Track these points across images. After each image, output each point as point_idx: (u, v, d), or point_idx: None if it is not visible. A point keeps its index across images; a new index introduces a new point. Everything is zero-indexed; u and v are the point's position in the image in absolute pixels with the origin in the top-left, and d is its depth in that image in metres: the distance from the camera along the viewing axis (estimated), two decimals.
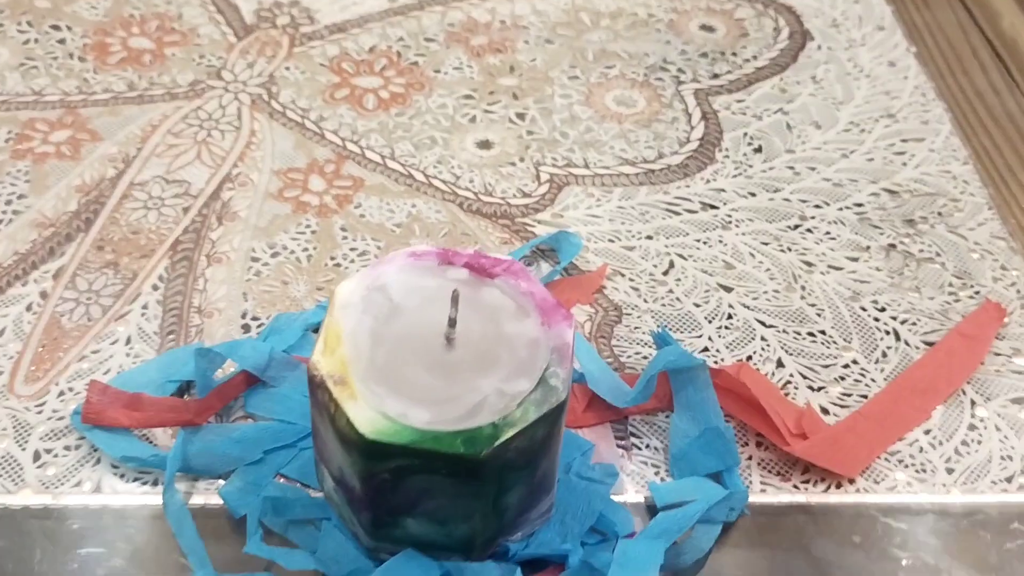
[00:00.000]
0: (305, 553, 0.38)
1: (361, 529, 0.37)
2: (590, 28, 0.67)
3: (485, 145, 0.58)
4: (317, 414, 0.36)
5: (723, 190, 0.56)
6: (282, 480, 0.41)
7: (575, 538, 0.39)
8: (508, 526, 0.37)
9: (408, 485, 0.34)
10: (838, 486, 0.43)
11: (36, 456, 0.42)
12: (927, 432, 0.45)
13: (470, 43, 0.65)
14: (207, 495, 0.41)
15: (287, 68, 0.62)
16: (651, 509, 0.41)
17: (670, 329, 0.48)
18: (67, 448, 0.42)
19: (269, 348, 0.44)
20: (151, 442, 0.42)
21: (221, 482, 0.41)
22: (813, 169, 0.58)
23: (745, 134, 0.60)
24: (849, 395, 0.46)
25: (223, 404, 0.43)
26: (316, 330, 0.47)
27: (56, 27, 0.64)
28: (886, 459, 0.44)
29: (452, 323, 0.36)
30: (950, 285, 0.51)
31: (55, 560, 0.39)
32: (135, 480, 0.41)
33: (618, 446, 0.43)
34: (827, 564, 0.40)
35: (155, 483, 0.41)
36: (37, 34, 0.63)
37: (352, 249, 0.51)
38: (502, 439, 0.33)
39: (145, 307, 0.48)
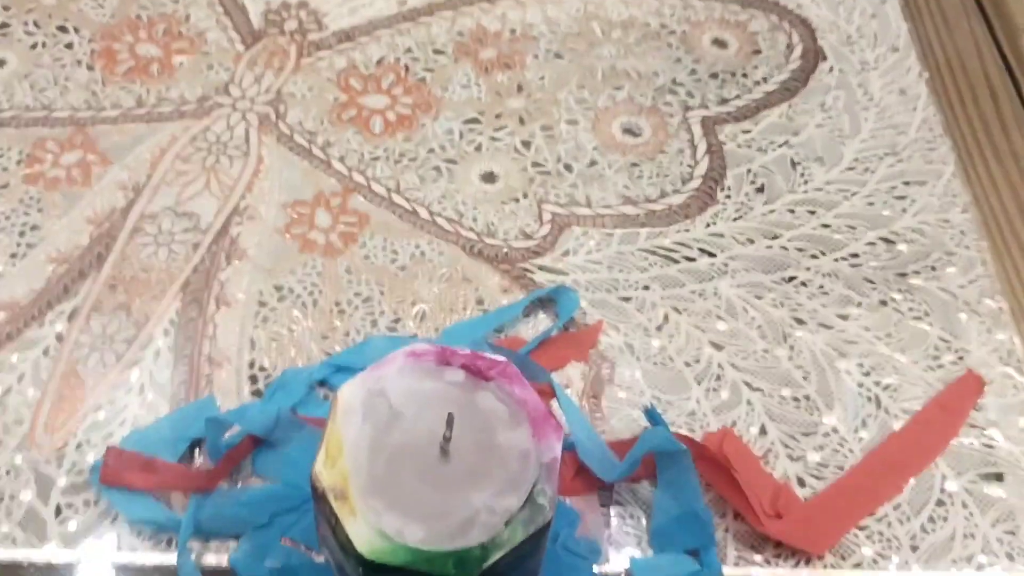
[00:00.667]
0: None
1: None
2: (601, 41, 0.66)
3: (489, 178, 0.59)
4: (321, 518, 0.38)
5: (722, 235, 0.57)
6: (288, 543, 0.44)
7: None
8: None
9: None
10: (807, 561, 0.46)
11: (58, 511, 0.45)
12: (896, 507, 0.48)
13: (479, 56, 0.65)
14: (219, 555, 0.44)
15: (295, 83, 0.62)
16: None
17: (660, 390, 0.50)
18: (86, 503, 0.45)
19: (275, 411, 0.46)
20: (166, 502, 0.45)
21: (232, 543, 0.44)
22: (813, 213, 0.58)
23: (749, 171, 0.60)
24: (826, 466, 0.49)
25: (232, 467, 0.45)
26: (321, 384, 0.49)
27: (63, 28, 0.64)
28: (855, 534, 0.46)
29: (446, 441, 0.38)
30: (935, 348, 0.53)
31: None
32: (151, 539, 0.44)
33: (603, 515, 0.46)
34: None
35: (170, 542, 0.44)
36: (44, 36, 0.63)
37: (356, 294, 0.53)
38: (491, 560, 0.36)
39: (157, 353, 0.50)
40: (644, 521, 0.46)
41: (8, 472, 0.46)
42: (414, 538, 0.36)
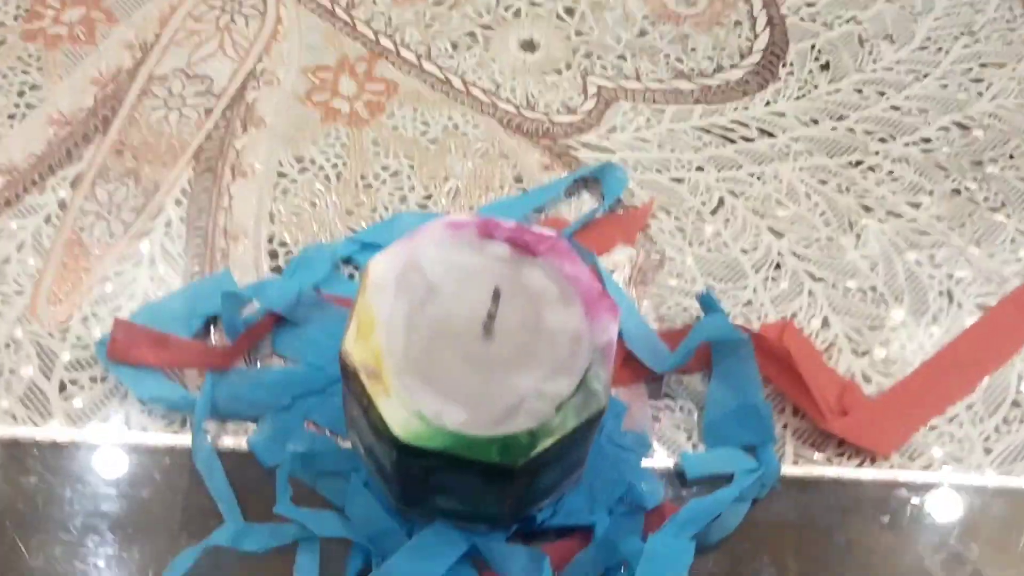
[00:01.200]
0: (334, 517, 0.38)
1: (390, 495, 0.37)
2: None
3: (529, 47, 0.54)
4: (350, 398, 0.35)
5: (783, 114, 0.52)
6: (311, 427, 0.41)
7: (602, 508, 0.39)
8: (537, 502, 0.37)
9: (439, 477, 0.34)
10: (872, 460, 0.42)
11: (62, 386, 0.42)
12: (968, 407, 0.44)
13: None
14: (236, 438, 0.41)
15: None
16: (680, 476, 0.41)
17: (714, 278, 0.46)
18: (93, 379, 0.42)
19: (296, 288, 0.42)
20: (179, 380, 0.42)
21: (250, 425, 0.41)
22: (882, 95, 0.53)
23: (813, 47, 0.55)
24: (894, 362, 0.45)
25: (250, 346, 0.42)
26: (346, 262, 0.45)
27: None
28: (923, 433, 0.43)
29: (491, 317, 0.34)
30: (1012, 242, 0.49)
31: (85, 498, 0.39)
32: (163, 418, 0.41)
33: (651, 407, 0.43)
34: (854, 544, 0.40)
35: (184, 423, 0.41)
36: None
37: (384, 168, 0.49)
38: (539, 448, 0.32)
39: (168, 224, 0.46)
40: (696, 416, 0.43)
41: (8, 345, 0.42)
42: (454, 421, 0.33)
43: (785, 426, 0.43)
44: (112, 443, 0.40)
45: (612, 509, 0.39)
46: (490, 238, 0.36)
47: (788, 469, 0.42)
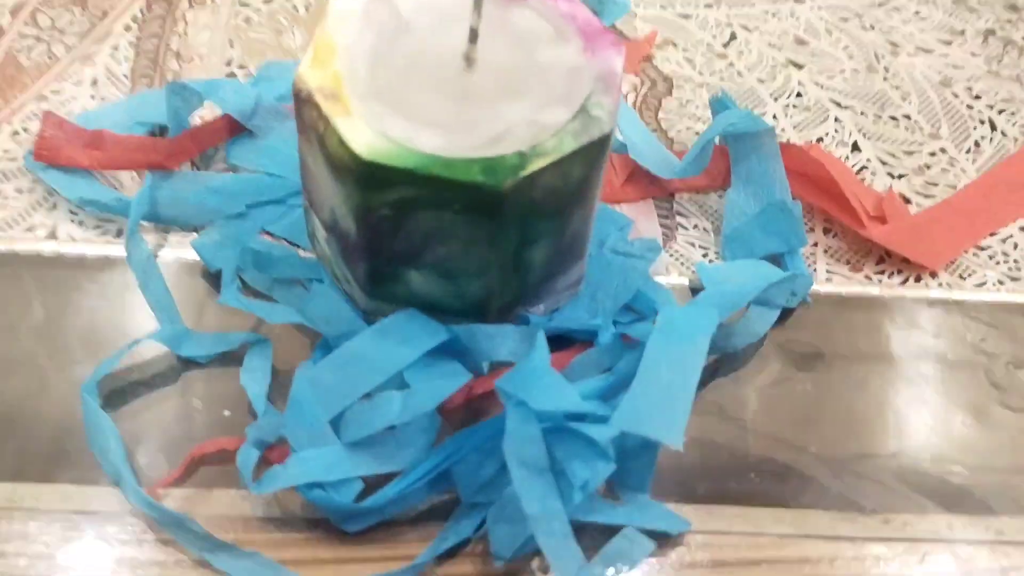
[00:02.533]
0: (289, 309, 0.32)
1: (357, 287, 0.31)
2: None
3: None
4: (304, 142, 0.29)
5: None
6: (268, 238, 0.35)
7: (607, 315, 0.33)
8: (529, 292, 0.31)
9: (412, 225, 0.28)
10: (918, 279, 0.36)
11: None
12: (1023, 229, 0.38)
13: None
14: (179, 249, 0.35)
15: None
16: (695, 293, 0.35)
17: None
18: (19, 190, 0.36)
19: (256, 92, 0.37)
20: (117, 185, 0.36)
21: (196, 237, 0.35)
22: None
23: None
24: (935, 184, 0.39)
25: (200, 150, 0.36)
26: None
27: None
28: (974, 254, 0.37)
29: (474, 36, 0.29)
30: None
31: (6, 311, 0.33)
32: (95, 228, 0.35)
33: (661, 225, 0.37)
34: (899, 360, 0.34)
35: (118, 234, 0.35)
36: None
37: None
38: (530, 169, 0.27)
39: (115, 48, 0.41)
40: (713, 233, 0.37)
41: None
42: (429, 145, 0.27)
43: (815, 244, 0.37)
44: (36, 252, 0.35)
45: (617, 319, 0.33)
46: None
47: (820, 287, 0.36)
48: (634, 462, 0.28)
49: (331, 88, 0.28)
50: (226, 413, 0.31)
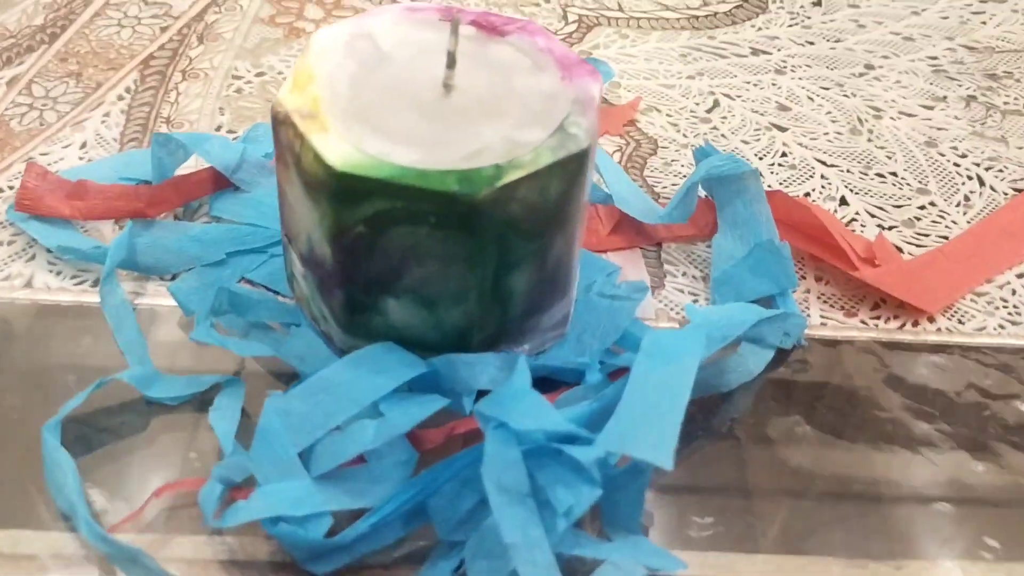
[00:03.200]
0: (265, 344, 0.31)
1: (334, 323, 0.30)
2: None
3: None
4: (281, 167, 0.29)
5: (777, 37, 0.49)
6: (247, 286, 0.35)
7: (594, 355, 0.32)
8: (513, 328, 0.30)
9: (387, 244, 0.27)
10: (915, 324, 0.35)
11: None
12: (1020, 276, 0.38)
13: None
14: (156, 298, 0.34)
15: None
16: None
17: None
18: None
19: (242, 148, 0.37)
20: (98, 237, 0.36)
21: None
22: (880, 23, 0.51)
23: None
24: (927, 235, 0.39)
25: (183, 200, 0.36)
26: None
27: None
28: (972, 300, 0.36)
29: (451, 62, 0.29)
30: None
31: None
32: (73, 278, 0.35)
33: (649, 273, 0.36)
34: (900, 404, 0.33)
35: (95, 284, 0.35)
36: None
37: None
38: (506, 180, 0.26)
39: (107, 115, 0.42)
40: (702, 281, 0.36)
41: None
42: (405, 159, 0.27)
43: (808, 291, 0.36)
44: (10, 300, 0.34)
45: (604, 360, 0.32)
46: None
47: (815, 332, 0.35)
48: (622, 494, 0.27)
49: (309, 109, 0.28)
50: (192, 455, 0.30)
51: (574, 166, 0.28)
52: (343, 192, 0.27)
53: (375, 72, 0.30)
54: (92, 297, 0.34)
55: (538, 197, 0.27)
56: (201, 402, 0.31)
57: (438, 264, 0.28)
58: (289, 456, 0.27)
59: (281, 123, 0.28)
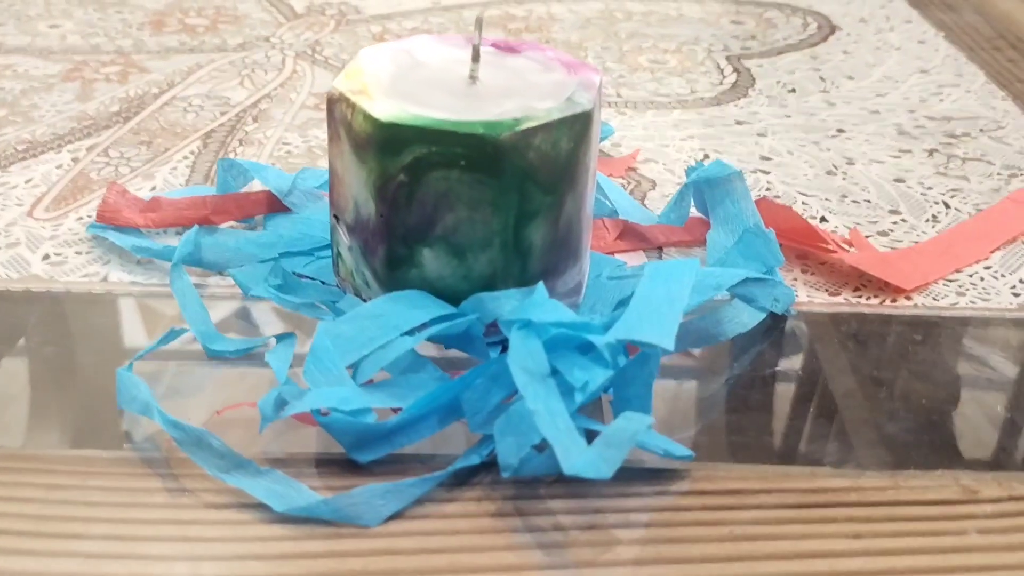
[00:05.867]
0: (313, 305, 0.35)
1: (376, 284, 0.35)
2: (623, 20, 0.70)
3: None
4: (334, 144, 0.35)
5: (757, 112, 0.56)
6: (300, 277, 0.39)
7: (604, 317, 0.36)
8: (532, 284, 0.35)
9: (424, 191, 0.32)
10: (893, 302, 0.39)
11: (45, 256, 0.40)
12: (987, 268, 0.42)
13: (507, 26, 0.68)
14: (216, 289, 0.39)
15: (332, 39, 0.65)
16: None
17: None
18: (78, 253, 0.41)
19: (294, 178, 0.43)
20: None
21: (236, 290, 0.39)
22: (849, 103, 0.57)
23: (778, 82, 0.60)
24: (900, 242, 0.43)
25: (242, 214, 0.41)
26: None
27: (119, 12, 0.68)
28: (944, 284, 0.40)
29: (476, 55, 0.35)
30: (999, 175, 0.50)
31: (66, 332, 0.36)
32: (143, 275, 0.39)
33: None
34: (887, 360, 0.36)
35: (162, 281, 0.39)
36: (101, 15, 0.68)
37: None
38: (524, 126, 0.32)
39: (174, 168, 0.48)
40: None
41: None
42: (439, 115, 0.32)
43: (795, 279, 0.40)
44: (87, 291, 0.38)
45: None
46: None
47: (804, 308, 0.39)
48: (632, 387, 0.30)
49: (359, 88, 0.34)
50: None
51: (580, 126, 0.33)
52: (387, 142, 0.32)
53: (412, 71, 0.36)
54: (159, 288, 0.38)
55: (551, 149, 0.33)
56: (258, 357, 0.35)
57: (467, 210, 0.33)
58: (338, 368, 0.31)
59: (336, 101, 0.34)
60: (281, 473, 0.29)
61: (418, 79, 0.35)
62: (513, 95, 0.34)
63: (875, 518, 0.29)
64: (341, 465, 0.30)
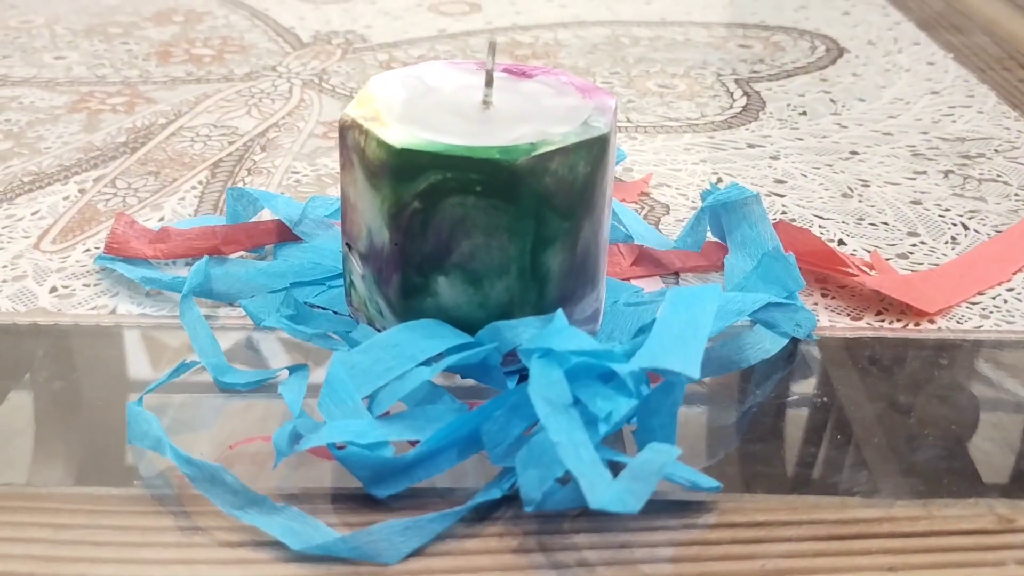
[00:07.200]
0: (326, 339, 0.34)
1: (390, 313, 0.34)
2: (630, 46, 0.70)
3: None
4: (346, 172, 0.34)
5: (769, 135, 0.55)
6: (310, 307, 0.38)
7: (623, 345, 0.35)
8: (549, 311, 0.34)
9: (440, 218, 0.32)
10: (916, 326, 0.38)
11: (53, 289, 0.40)
12: (1010, 290, 0.41)
13: (514, 53, 0.68)
14: (226, 320, 0.38)
15: (339, 67, 0.65)
16: None
17: None
18: (86, 285, 0.40)
19: (304, 206, 0.42)
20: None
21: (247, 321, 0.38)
22: (861, 125, 0.57)
23: (788, 104, 0.60)
24: (920, 264, 0.43)
25: (253, 244, 0.41)
26: None
27: (125, 43, 0.68)
28: (968, 307, 0.40)
29: (489, 80, 0.35)
30: (1016, 196, 0.49)
31: (54, 376, 0.36)
32: (152, 307, 0.39)
33: None
34: (913, 385, 0.35)
35: (170, 313, 0.38)
36: (107, 46, 0.67)
37: None
38: (540, 151, 0.31)
39: (182, 199, 0.47)
40: None
41: (3, 267, 0.41)
42: (453, 140, 0.32)
43: (816, 304, 0.40)
44: (95, 324, 0.38)
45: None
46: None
47: (826, 333, 0.38)
48: (656, 417, 0.29)
49: (371, 114, 0.33)
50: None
51: (597, 149, 0.32)
52: (401, 169, 0.31)
53: (424, 97, 0.35)
54: (169, 320, 0.38)
55: (568, 173, 0.32)
56: (270, 388, 0.34)
57: (483, 236, 0.32)
58: (354, 400, 0.30)
59: (348, 128, 0.33)
60: (297, 510, 0.28)
61: (431, 105, 0.35)
62: (528, 120, 0.34)
63: (909, 549, 0.28)
64: (358, 500, 0.29)
